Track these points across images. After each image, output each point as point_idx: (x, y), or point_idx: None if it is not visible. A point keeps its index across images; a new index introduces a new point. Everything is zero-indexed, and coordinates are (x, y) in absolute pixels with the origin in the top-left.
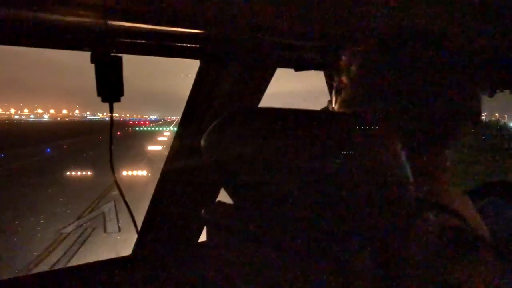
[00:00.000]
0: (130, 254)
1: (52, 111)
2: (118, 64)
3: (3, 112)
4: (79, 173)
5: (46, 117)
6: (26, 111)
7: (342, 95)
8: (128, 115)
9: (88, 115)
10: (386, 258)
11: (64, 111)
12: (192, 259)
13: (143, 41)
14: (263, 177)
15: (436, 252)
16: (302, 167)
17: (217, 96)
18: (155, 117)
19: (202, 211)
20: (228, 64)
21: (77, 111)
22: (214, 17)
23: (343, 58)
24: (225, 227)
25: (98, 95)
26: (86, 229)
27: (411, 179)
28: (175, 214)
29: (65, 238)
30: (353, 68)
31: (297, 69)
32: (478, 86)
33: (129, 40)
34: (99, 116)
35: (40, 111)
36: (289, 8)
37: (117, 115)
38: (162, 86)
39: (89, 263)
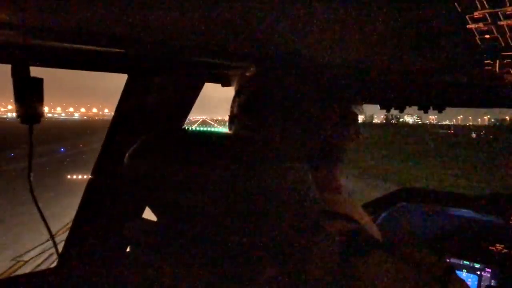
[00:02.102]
0: (54, 267)
1: (82, 109)
2: (39, 86)
3: None
4: (80, 176)
5: (76, 115)
6: (58, 109)
7: (240, 112)
8: None
9: None
10: (290, 271)
11: (94, 110)
12: (115, 274)
13: (66, 56)
14: (182, 196)
15: (338, 259)
16: (217, 187)
17: (145, 110)
18: None
19: (124, 227)
20: (155, 79)
21: (106, 110)
22: (138, 37)
23: (241, 78)
24: (145, 243)
25: (17, 116)
26: (51, 254)
27: (317, 195)
28: (100, 228)
29: (20, 267)
30: (247, 88)
31: (224, 84)
32: (353, 110)
33: (51, 55)
34: None
35: (71, 109)
36: (215, 28)
37: None
38: None
39: (13, 276)
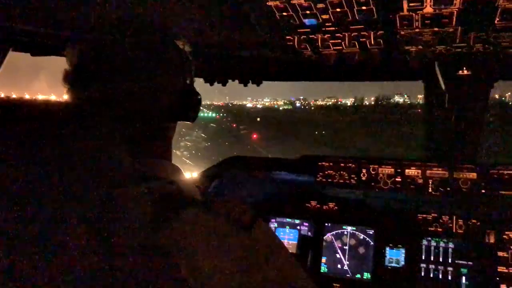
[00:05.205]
0: None
1: None
2: None
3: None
4: None
5: None
6: None
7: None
8: None
9: None
10: (104, 231)
11: None
12: None
13: None
14: None
15: (151, 215)
16: (25, 154)
17: None
18: None
19: None
20: None
21: None
22: None
23: (70, 49)
24: None
25: None
26: None
27: (128, 159)
28: None
29: None
30: (75, 59)
31: (34, 54)
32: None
33: None
34: None
35: None
36: None
37: None
38: None
39: None
